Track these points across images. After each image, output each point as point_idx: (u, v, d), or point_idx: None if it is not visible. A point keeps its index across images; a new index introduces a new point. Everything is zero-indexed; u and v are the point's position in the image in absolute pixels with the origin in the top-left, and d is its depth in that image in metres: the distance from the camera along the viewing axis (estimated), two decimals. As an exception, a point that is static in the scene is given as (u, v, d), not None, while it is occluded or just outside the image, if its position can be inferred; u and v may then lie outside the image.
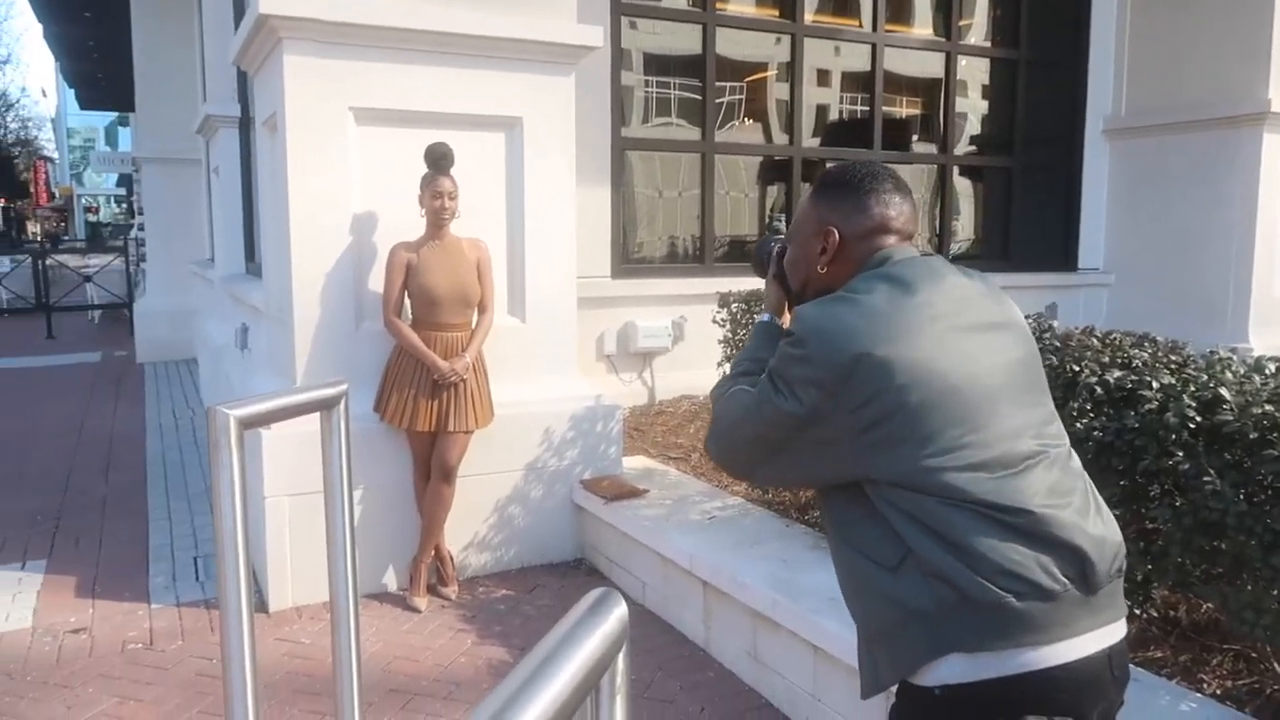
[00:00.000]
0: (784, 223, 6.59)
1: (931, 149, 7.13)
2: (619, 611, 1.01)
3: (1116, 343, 2.70)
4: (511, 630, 3.59)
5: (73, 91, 19.15)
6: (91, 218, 48.41)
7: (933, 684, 1.36)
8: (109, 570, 4.20)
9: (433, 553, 3.88)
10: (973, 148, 7.38)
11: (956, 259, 6.88)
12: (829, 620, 2.79)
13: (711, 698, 3.10)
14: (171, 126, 9.85)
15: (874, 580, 1.41)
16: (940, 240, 7.12)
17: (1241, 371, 2.38)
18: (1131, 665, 1.60)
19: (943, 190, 7.13)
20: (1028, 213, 7.45)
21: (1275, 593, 2.15)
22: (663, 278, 6.01)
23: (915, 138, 7.11)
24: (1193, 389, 2.36)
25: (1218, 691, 2.46)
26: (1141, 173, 7.24)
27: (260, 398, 2.28)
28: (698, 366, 5.61)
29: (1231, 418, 2.23)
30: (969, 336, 1.43)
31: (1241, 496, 2.23)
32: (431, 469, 3.79)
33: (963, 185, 7.42)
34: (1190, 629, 2.77)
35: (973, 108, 7.32)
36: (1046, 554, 1.33)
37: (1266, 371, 2.38)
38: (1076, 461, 1.49)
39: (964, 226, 7.49)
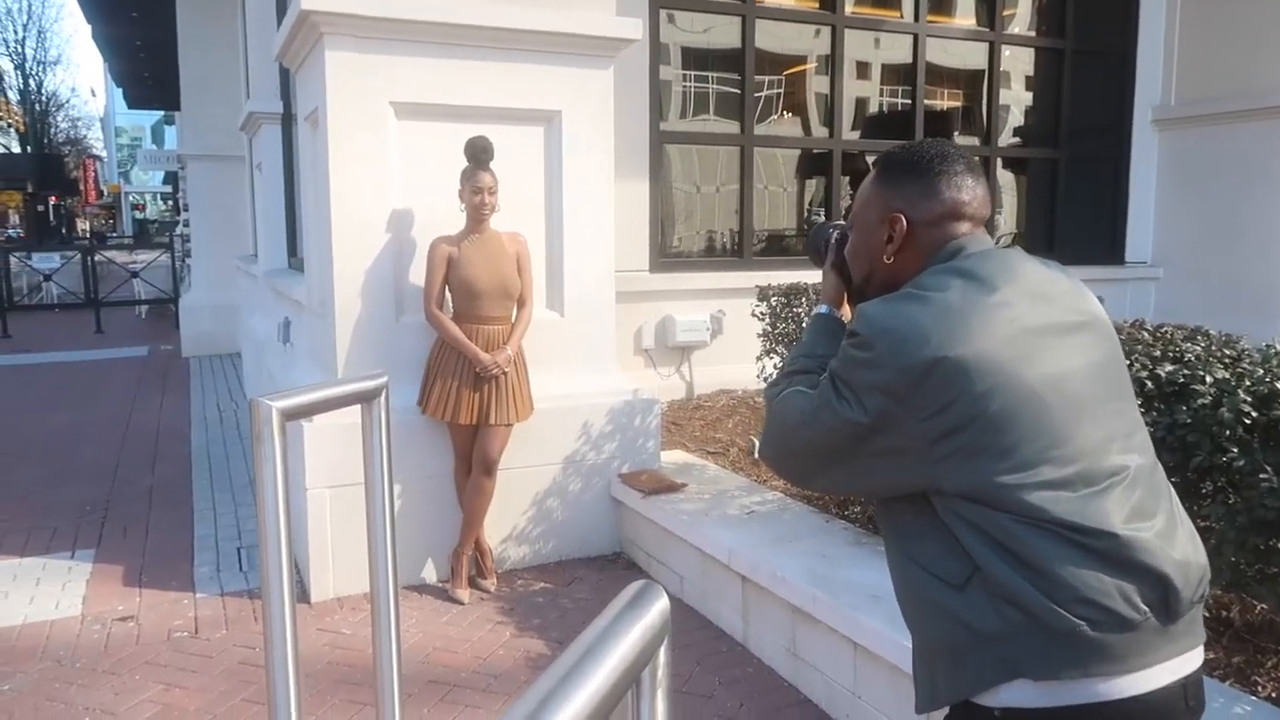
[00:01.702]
0: (823, 215, 6.53)
1: (975, 141, 7.02)
2: (660, 604, 1.00)
3: (1168, 336, 2.64)
4: (549, 623, 3.60)
5: (120, 91, 19.54)
6: (138, 215, 49.39)
7: (994, 705, 1.28)
8: (155, 560, 4.27)
9: (473, 545, 3.90)
10: (1017, 139, 7.26)
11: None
12: (869, 617, 2.76)
13: (750, 693, 3.08)
14: (216, 124, 10.02)
15: (937, 597, 1.32)
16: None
17: (1297, 364, 2.31)
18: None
19: (987, 181, 7.01)
20: (1074, 205, 7.31)
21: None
22: (701, 271, 5.98)
23: (958, 130, 7.00)
24: (1248, 384, 2.30)
25: (1273, 694, 2.40)
26: (1191, 164, 7.07)
27: (302, 390, 2.30)
28: (736, 361, 5.59)
29: (1290, 413, 2.16)
30: (1051, 338, 1.31)
31: (1301, 494, 2.16)
32: (473, 462, 3.81)
33: (1007, 178, 7.31)
34: (1244, 630, 2.70)
35: (1017, 99, 7.19)
36: (1129, 581, 1.23)
37: (1326, 366, 2.31)
38: (1161, 474, 1.37)
39: (1009, 219, 7.37)
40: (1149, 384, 2.49)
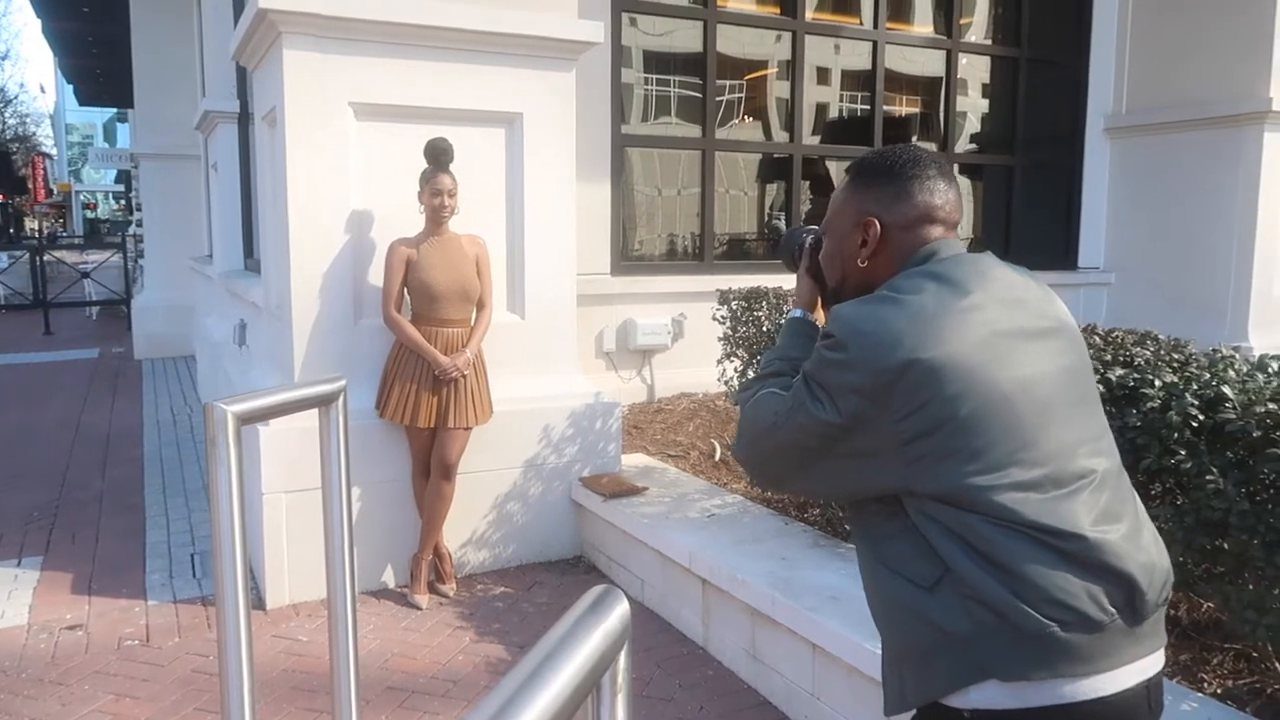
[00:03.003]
0: (784, 221, 6.57)
1: (933, 147, 7.12)
2: (621, 609, 1.00)
3: (1119, 340, 2.69)
4: (510, 628, 3.58)
5: (71, 87, 19.11)
6: (90, 214, 48.35)
7: (963, 707, 1.30)
8: (105, 567, 4.18)
9: (432, 550, 3.87)
10: (974, 146, 7.37)
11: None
12: (828, 619, 2.78)
13: (710, 696, 3.09)
14: (170, 123, 9.84)
15: (907, 599, 1.33)
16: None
17: (1244, 370, 2.36)
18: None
19: (959, 188, 7.11)
20: (1029, 211, 7.44)
21: (1277, 592, 2.14)
22: (662, 275, 5.99)
23: (916, 136, 7.09)
24: (1195, 387, 2.35)
25: (1218, 691, 2.45)
26: (1143, 171, 7.23)
27: (258, 393, 2.27)
28: (697, 364, 5.60)
29: (1234, 416, 2.22)
30: (1021, 343, 1.34)
31: (1244, 495, 2.22)
32: (431, 466, 3.78)
33: (963, 183, 7.41)
34: (1191, 628, 2.76)
35: (974, 106, 7.30)
36: (1097, 583, 1.26)
37: (1269, 370, 2.37)
38: (1127, 479, 1.40)
39: (965, 225, 7.48)
40: (1100, 388, 2.54)
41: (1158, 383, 2.39)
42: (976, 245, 7.43)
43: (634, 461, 4.59)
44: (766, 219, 6.64)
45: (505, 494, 4.13)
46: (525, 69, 4.09)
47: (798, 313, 1.65)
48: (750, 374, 4.03)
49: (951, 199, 1.47)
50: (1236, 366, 2.40)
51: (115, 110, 29.86)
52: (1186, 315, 6.74)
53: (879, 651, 2.52)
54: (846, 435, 1.34)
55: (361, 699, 2.58)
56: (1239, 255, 6.61)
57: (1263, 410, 2.16)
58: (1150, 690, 1.32)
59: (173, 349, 10.06)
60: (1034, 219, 7.46)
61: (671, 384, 5.88)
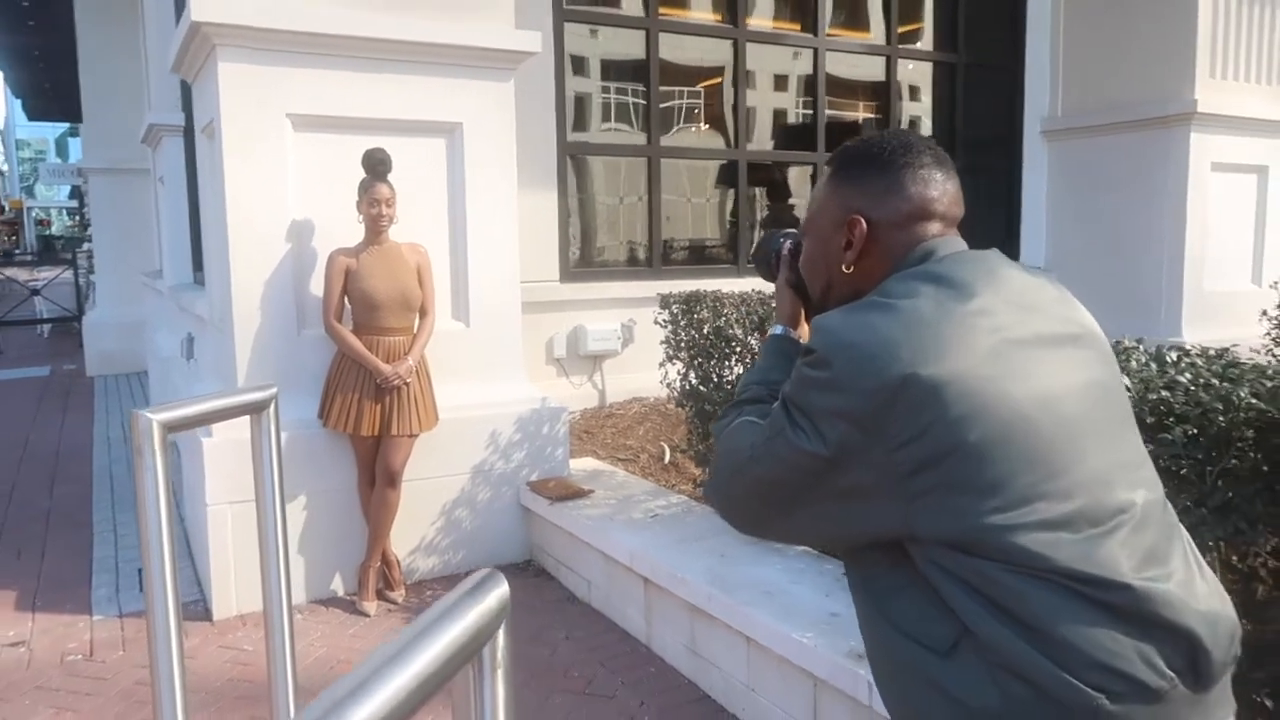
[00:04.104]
0: (741, 225, 6.66)
1: (875, 151, 7.24)
2: (500, 590, 1.06)
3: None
4: (456, 632, 3.61)
5: (20, 102, 18.83)
6: (43, 230, 47.47)
7: None
8: (51, 583, 4.16)
9: (380, 557, 3.89)
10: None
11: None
12: (760, 612, 2.85)
13: (652, 692, 3.15)
14: (119, 136, 9.74)
15: (920, 666, 1.11)
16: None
17: (1143, 361, 2.47)
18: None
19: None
20: (969, 213, 7.51)
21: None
22: (611, 281, 6.06)
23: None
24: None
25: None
26: (1079, 173, 7.43)
27: (185, 402, 2.29)
28: (647, 369, 5.65)
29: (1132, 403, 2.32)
30: (1041, 351, 1.13)
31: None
32: (376, 474, 3.81)
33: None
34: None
35: (915, 110, 7.46)
36: (1148, 641, 1.04)
37: (1167, 361, 2.48)
38: (1172, 513, 1.19)
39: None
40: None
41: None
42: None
43: (583, 465, 4.65)
44: (727, 224, 6.73)
45: (454, 500, 4.16)
46: (463, 79, 4.14)
47: (779, 329, 1.46)
48: (693, 378, 4.11)
49: (950, 190, 1.29)
50: (1137, 358, 2.51)
51: (67, 125, 29.43)
52: (1124, 312, 6.92)
53: (805, 641, 2.61)
54: (834, 469, 1.13)
55: (301, 704, 2.61)
56: (1171, 253, 6.81)
57: (1155, 398, 2.26)
58: None
59: (125, 365, 9.94)
60: (975, 220, 7.53)
61: (622, 389, 5.94)
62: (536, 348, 5.67)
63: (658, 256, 6.31)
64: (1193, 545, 1.18)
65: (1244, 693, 2.30)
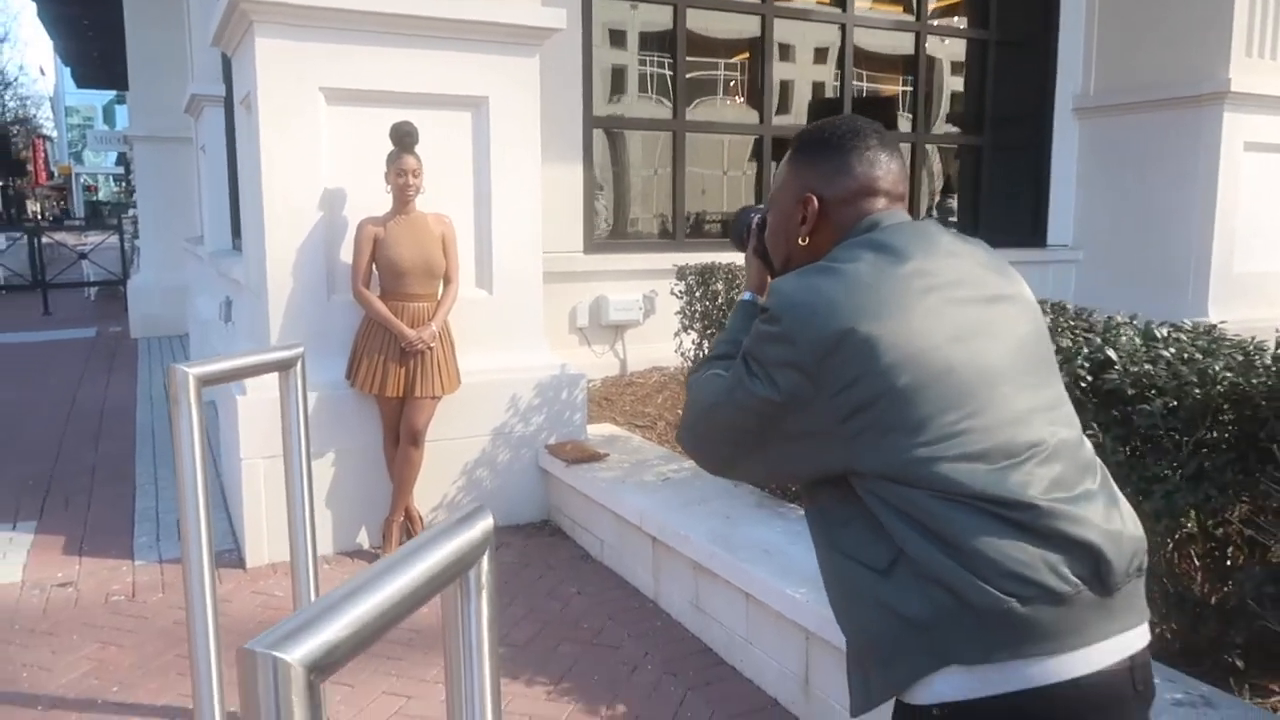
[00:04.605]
0: (754, 201, 6.74)
1: (902, 127, 7.28)
2: (484, 523, 1.21)
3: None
4: (474, 584, 3.79)
5: (69, 70, 19.26)
6: (91, 196, 48.52)
7: (930, 702, 1.22)
8: (96, 531, 4.40)
9: (403, 513, 4.08)
10: (945, 125, 7.53)
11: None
12: (760, 569, 2.99)
13: (657, 644, 3.30)
14: (164, 105, 9.99)
15: (863, 586, 1.27)
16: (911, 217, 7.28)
17: (1130, 335, 2.56)
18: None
19: (913, 167, 7.29)
20: (998, 190, 7.61)
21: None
22: (634, 253, 6.18)
23: (886, 115, 7.25)
24: (1087, 351, 2.54)
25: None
26: (1109, 151, 7.40)
27: (219, 358, 2.48)
28: (668, 339, 5.78)
29: (1116, 377, 2.41)
30: (967, 309, 1.28)
31: (1125, 449, 2.42)
32: (401, 433, 3.98)
33: (933, 162, 7.58)
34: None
35: (943, 86, 7.46)
36: (1055, 552, 1.18)
37: (1156, 336, 2.56)
38: (1089, 449, 1.33)
39: (934, 203, 7.65)
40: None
41: (1053, 346, 2.58)
42: (946, 223, 7.59)
43: (601, 431, 4.80)
44: (752, 199, 6.81)
45: (474, 461, 4.34)
46: (490, 55, 4.26)
47: (747, 295, 1.62)
48: (706, 348, 4.22)
49: (894, 169, 1.42)
50: (1126, 333, 2.59)
51: (115, 93, 30.01)
52: (1151, 291, 6.92)
53: (798, 597, 2.74)
54: (785, 413, 1.29)
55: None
56: (1199, 233, 6.78)
57: (1137, 370, 2.35)
58: (1134, 670, 1.23)
59: (167, 328, 10.27)
60: (1003, 197, 7.63)
61: (643, 358, 6.08)
62: (560, 317, 5.82)
63: (681, 229, 6.42)
64: (1109, 478, 1.33)
65: (1216, 653, 2.40)
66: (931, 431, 1.22)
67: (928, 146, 7.45)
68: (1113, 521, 1.25)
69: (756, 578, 2.97)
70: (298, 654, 0.79)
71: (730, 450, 1.41)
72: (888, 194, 1.42)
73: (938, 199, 7.70)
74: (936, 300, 1.27)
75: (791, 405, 1.29)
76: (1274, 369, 2.15)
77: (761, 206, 1.67)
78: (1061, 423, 1.30)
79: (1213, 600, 2.46)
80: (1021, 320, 1.34)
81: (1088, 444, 1.34)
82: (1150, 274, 7.06)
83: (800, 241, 1.44)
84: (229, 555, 4.05)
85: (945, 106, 7.51)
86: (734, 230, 1.75)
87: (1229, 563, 2.46)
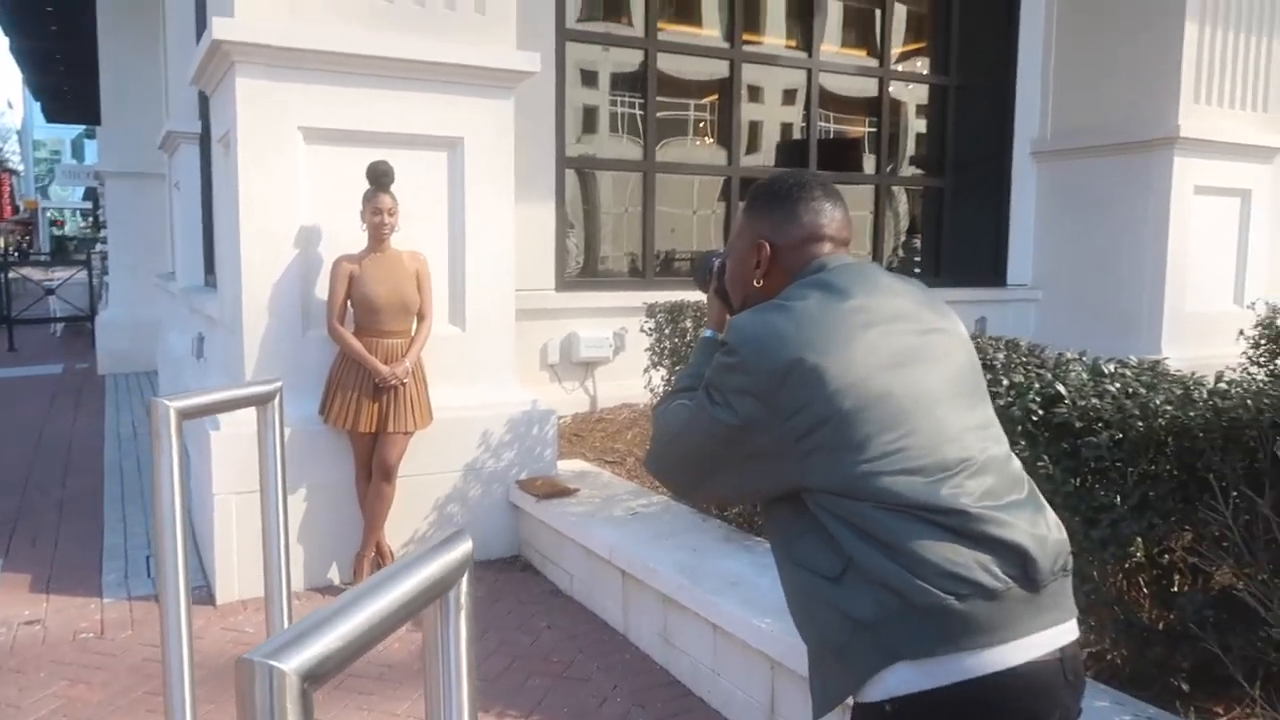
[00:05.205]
0: (724, 243, 6.88)
1: (867, 168, 7.48)
2: (464, 546, 1.27)
3: (979, 345, 3.00)
4: (445, 618, 3.81)
5: (39, 104, 19.18)
6: (57, 231, 47.97)
7: (882, 698, 1.33)
8: (63, 568, 4.38)
9: (375, 548, 4.11)
10: (908, 167, 7.75)
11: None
12: (725, 600, 3.06)
13: (625, 676, 3.35)
14: (136, 141, 10.01)
15: (818, 593, 1.39)
16: (874, 257, 7.45)
17: (1079, 370, 2.68)
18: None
19: (876, 208, 7.48)
20: (959, 230, 7.82)
21: (1092, 560, 2.45)
22: (604, 291, 6.28)
23: (851, 158, 7.45)
24: (1038, 386, 2.66)
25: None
26: (1067, 193, 7.64)
27: (198, 392, 2.52)
28: (638, 376, 5.84)
29: (1065, 411, 2.53)
30: (905, 340, 1.43)
31: (1076, 480, 2.53)
32: (373, 469, 4.02)
33: (896, 203, 7.78)
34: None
35: (907, 129, 7.69)
36: (986, 553, 1.31)
37: (1103, 372, 2.68)
38: (1017, 464, 1.47)
39: (898, 244, 7.84)
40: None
41: (1006, 382, 2.70)
42: (910, 263, 7.79)
43: (571, 466, 4.86)
44: (720, 238, 6.95)
45: (446, 496, 4.37)
46: (466, 96, 4.37)
47: (709, 333, 1.76)
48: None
49: (838, 217, 1.58)
50: (1075, 368, 2.71)
51: (83, 127, 29.89)
52: (1108, 330, 7.12)
53: (764, 627, 2.81)
54: (744, 436, 1.42)
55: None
56: (1152, 273, 7.01)
57: (1085, 404, 2.47)
58: (1065, 661, 1.35)
59: (136, 364, 10.20)
60: (965, 237, 7.84)
61: (613, 395, 6.15)
62: (531, 353, 5.89)
63: (651, 268, 6.54)
64: (1037, 490, 1.48)
65: (1163, 677, 2.50)
66: (873, 449, 1.35)
67: (892, 188, 7.65)
68: (1038, 527, 1.38)
69: (724, 609, 3.03)
70: (293, 663, 0.86)
71: (696, 473, 1.55)
72: (833, 239, 1.57)
73: (903, 239, 7.89)
74: (876, 333, 1.42)
75: (750, 429, 1.42)
76: (1210, 403, 2.27)
77: (723, 251, 1.81)
78: (991, 440, 1.45)
79: (1160, 626, 2.56)
80: (954, 350, 1.50)
81: (1016, 460, 1.49)
82: (1107, 313, 7.27)
83: (756, 283, 1.59)
84: (199, 592, 4.05)
85: (908, 149, 7.73)
86: (698, 273, 1.89)
87: (1174, 589, 2.56)
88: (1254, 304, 5.75)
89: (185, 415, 2.35)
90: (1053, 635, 1.35)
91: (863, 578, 1.34)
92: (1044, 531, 1.38)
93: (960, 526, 1.32)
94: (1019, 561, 1.33)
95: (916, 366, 1.42)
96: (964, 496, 1.34)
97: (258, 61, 3.97)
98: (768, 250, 1.57)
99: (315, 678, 0.88)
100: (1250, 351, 5.29)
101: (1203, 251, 7.15)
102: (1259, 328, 5.13)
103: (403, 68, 4.19)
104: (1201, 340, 6.84)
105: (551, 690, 3.24)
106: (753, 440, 1.42)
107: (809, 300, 1.45)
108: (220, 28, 3.85)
